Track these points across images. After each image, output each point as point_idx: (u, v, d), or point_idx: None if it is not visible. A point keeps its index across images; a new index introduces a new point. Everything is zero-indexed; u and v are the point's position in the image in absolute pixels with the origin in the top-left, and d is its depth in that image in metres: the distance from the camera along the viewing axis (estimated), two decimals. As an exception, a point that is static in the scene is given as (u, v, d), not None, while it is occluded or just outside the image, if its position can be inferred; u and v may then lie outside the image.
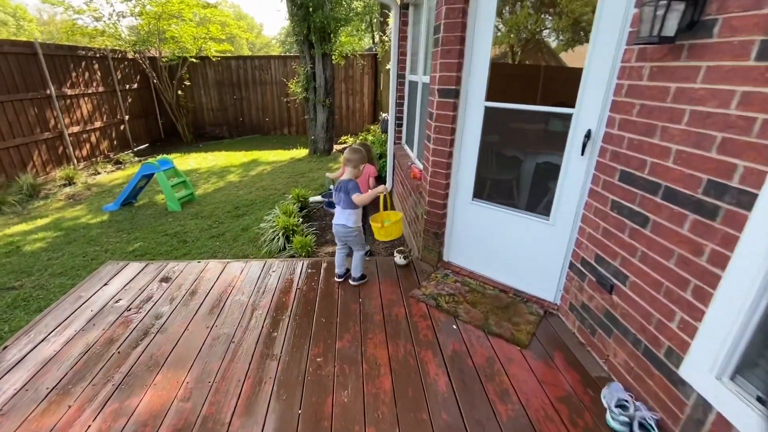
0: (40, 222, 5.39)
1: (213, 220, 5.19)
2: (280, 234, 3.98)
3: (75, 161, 8.28)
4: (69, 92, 8.19)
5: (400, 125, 5.03)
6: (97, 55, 9.15)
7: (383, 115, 10.14)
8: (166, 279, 3.02)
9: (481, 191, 2.94)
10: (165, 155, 9.70)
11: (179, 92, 11.26)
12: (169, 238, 4.61)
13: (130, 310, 2.58)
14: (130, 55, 10.18)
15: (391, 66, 4.80)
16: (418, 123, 4.06)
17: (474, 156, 2.83)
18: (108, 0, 9.33)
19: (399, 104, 4.92)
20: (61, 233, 4.86)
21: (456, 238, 3.15)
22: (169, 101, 11.11)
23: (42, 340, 2.31)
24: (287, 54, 13.29)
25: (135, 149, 10.30)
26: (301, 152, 9.72)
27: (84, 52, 8.73)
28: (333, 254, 3.87)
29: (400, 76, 4.81)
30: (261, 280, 3.00)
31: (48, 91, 7.63)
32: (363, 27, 11.10)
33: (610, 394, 1.85)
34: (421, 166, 3.72)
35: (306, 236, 4.00)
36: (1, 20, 24.95)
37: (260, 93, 12.31)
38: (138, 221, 5.23)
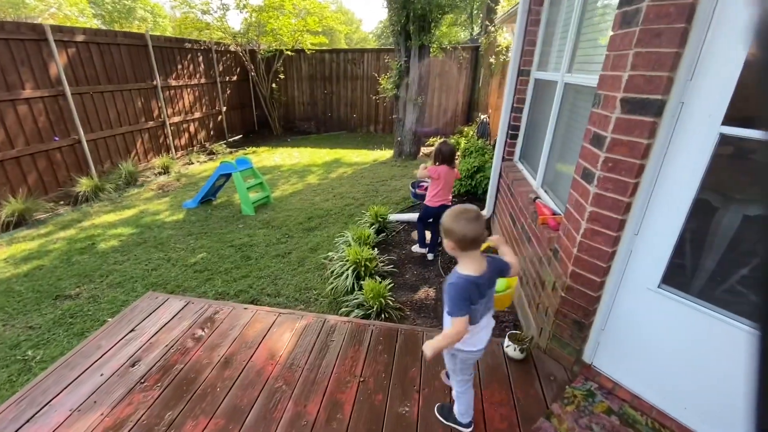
0: (126, 213, 5.40)
1: (283, 232, 4.62)
2: (350, 271, 3.17)
3: (173, 150, 8.59)
4: (173, 83, 8.47)
5: (515, 136, 3.87)
6: (202, 48, 9.40)
7: (481, 116, 8.88)
8: (202, 328, 2.39)
9: (682, 277, 1.74)
10: (254, 147, 9.75)
11: (273, 85, 11.30)
12: (234, 251, 4.12)
13: (143, 382, 1.96)
14: (232, 48, 10.38)
15: (512, 59, 3.66)
16: (549, 139, 2.90)
17: (680, 217, 1.64)
18: (216, -7, 9.51)
19: (517, 109, 3.76)
20: (136, 231, 4.72)
21: (614, 337, 1.98)
22: (264, 94, 11.20)
23: (27, 421, 1.77)
24: (381, 47, 12.63)
25: (229, 140, 10.56)
26: (386, 154, 8.96)
27: (190, 45, 9.00)
28: (411, 313, 2.94)
29: (523, 73, 3.64)
30: (314, 356, 2.19)
31: (154, 82, 7.93)
32: (464, 16, 9.87)
33: None
34: (557, 210, 2.57)
35: (380, 280, 3.13)
36: (141, 17, 28.65)
37: (350, 88, 11.85)
38: (209, 224, 4.90)
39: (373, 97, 11.19)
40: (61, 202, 6.00)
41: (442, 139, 4.65)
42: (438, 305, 3.06)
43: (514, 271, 1.64)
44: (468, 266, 1.49)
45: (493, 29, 10.05)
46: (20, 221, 5.20)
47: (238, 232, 4.61)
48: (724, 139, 1.47)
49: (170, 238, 4.47)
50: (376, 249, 3.67)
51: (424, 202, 3.69)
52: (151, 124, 7.92)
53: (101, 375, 2.01)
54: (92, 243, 4.37)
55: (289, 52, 10.60)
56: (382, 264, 3.48)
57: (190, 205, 5.59)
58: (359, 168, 7.72)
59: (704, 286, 1.69)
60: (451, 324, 1.44)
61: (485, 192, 5.20)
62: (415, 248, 3.99)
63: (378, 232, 4.23)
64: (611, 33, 1.76)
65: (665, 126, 1.59)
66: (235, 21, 25.74)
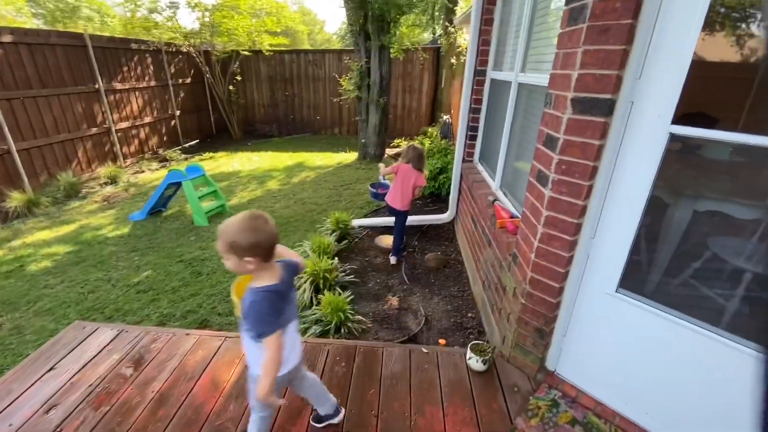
0: (64, 229, 4.92)
1: (238, 243, 4.35)
2: (308, 284, 2.98)
3: (122, 158, 8.02)
4: (119, 86, 7.91)
5: (474, 137, 3.82)
6: (151, 49, 8.85)
7: (444, 117, 8.90)
8: (135, 360, 2.13)
9: (639, 279, 1.70)
10: (211, 153, 9.30)
11: (231, 87, 10.84)
12: (184, 266, 3.82)
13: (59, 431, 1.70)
14: (184, 49, 9.85)
15: (468, 59, 3.61)
16: (505, 140, 2.85)
17: (634, 219, 1.59)
18: (163, -10, 8.99)
19: (475, 110, 3.71)
20: (74, 249, 4.29)
21: (575, 343, 1.92)
22: (221, 96, 10.73)
23: None
24: (343, 48, 12.45)
25: (184, 145, 10.01)
26: (350, 156, 8.79)
27: (137, 45, 8.45)
28: (374, 325, 2.80)
29: (479, 73, 3.59)
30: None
31: (97, 86, 7.36)
32: (425, 18, 9.88)
33: None
34: (515, 213, 2.51)
35: (340, 292, 2.97)
36: (87, 16, 26.88)
37: (312, 90, 11.58)
38: (158, 238, 4.54)
39: (335, 100, 10.97)
40: (-12, 220, 5.41)
41: (409, 141, 4.56)
42: (401, 314, 2.94)
43: (302, 265, 1.57)
44: (265, 278, 1.34)
45: (453, 30, 10.14)
46: (-64, 243, 4.62)
47: (190, 246, 4.30)
48: (674, 138, 1.43)
49: (112, 256, 4.10)
50: (336, 258, 3.50)
51: (386, 199, 3.64)
52: (94, 130, 7.34)
53: (9, 425, 1.72)
54: (20, 265, 3.92)
55: (246, 53, 10.19)
56: (343, 274, 3.32)
57: (137, 218, 5.18)
58: (323, 172, 7.51)
59: (660, 289, 1.66)
60: (265, 348, 1.28)
61: (448, 193, 5.17)
62: (392, 258, 3.70)
63: (340, 239, 4.06)
64: (560, 31, 1.70)
65: (616, 126, 1.53)
66: (188, 20, 24.74)
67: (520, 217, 2.38)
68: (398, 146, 9.62)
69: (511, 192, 2.76)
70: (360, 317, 2.82)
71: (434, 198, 5.41)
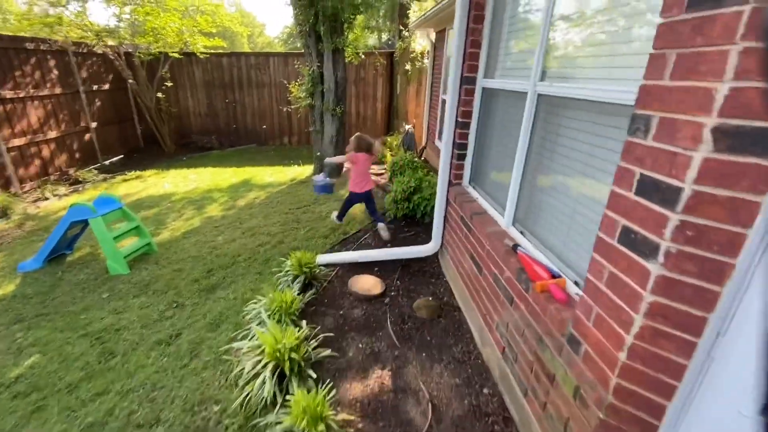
0: None
1: (169, 298, 3.37)
2: (268, 372, 2.15)
3: (17, 183, 6.47)
4: (9, 95, 6.38)
5: (462, 156, 3.21)
6: (53, 49, 7.34)
7: (406, 126, 8.33)
8: None
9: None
10: (137, 171, 7.94)
11: (159, 94, 9.46)
12: (89, 343, 2.79)
13: None
14: (98, 50, 8.36)
15: (453, 65, 2.99)
16: (519, 165, 2.25)
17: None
18: (66, -20, 7.52)
19: (463, 124, 3.09)
20: None
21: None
22: (148, 105, 9.31)
23: None
24: (289, 51, 11.50)
25: (104, 162, 8.50)
26: (305, 171, 7.90)
27: (34, 45, 6.93)
28: (365, 424, 2.05)
29: (468, 81, 2.98)
30: None
31: (-25, 94, 5.83)
32: (380, 17, 9.30)
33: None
34: (555, 269, 1.88)
35: (314, 378, 2.19)
36: (-17, 13, 23.23)
37: (257, 96, 10.51)
38: (56, 298, 3.41)
39: (284, 109, 10.00)
40: None
41: (360, 134, 4.18)
42: (398, 399, 2.21)
43: None
44: None
45: (407, 34, 9.64)
46: None
47: (101, 308, 3.24)
48: None
49: (-18, 334, 2.94)
50: (304, 322, 2.69)
51: (350, 190, 4.12)
52: (-26, 150, 5.80)
53: None
54: None
55: (176, 55, 8.91)
56: (315, 345, 2.51)
57: (29, 267, 3.95)
58: (274, 191, 6.57)
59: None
60: None
61: (425, 215, 4.54)
62: (333, 217, 4.44)
63: (304, 287, 3.25)
64: (664, 19, 1.09)
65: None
66: (103, 16, 22.02)
67: (563, 276, 1.77)
68: (356, 157, 8.90)
69: (534, 231, 2.16)
70: (345, 415, 2.06)
71: (408, 221, 4.76)
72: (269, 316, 2.63)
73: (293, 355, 2.21)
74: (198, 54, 9.40)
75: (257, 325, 2.64)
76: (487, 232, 2.39)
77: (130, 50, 8.97)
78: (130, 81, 8.98)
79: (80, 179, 7.39)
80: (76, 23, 7.98)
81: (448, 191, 3.35)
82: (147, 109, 9.39)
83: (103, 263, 3.96)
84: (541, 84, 2.04)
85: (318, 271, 3.39)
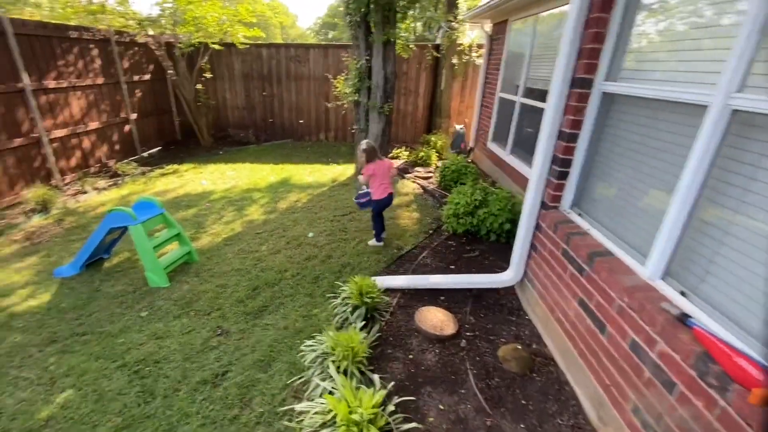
0: (-47, 295, 3.39)
1: (213, 322, 3.00)
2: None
3: (58, 174, 6.36)
4: (52, 85, 6.24)
5: (563, 175, 2.64)
6: (96, 38, 7.18)
7: (457, 126, 7.74)
8: None
9: None
10: (175, 165, 7.75)
11: (198, 86, 9.25)
12: (127, 378, 2.45)
13: None
14: (140, 39, 8.19)
15: (559, 62, 2.42)
16: (686, 201, 1.68)
17: None
18: (111, -33, 7.32)
19: (568, 136, 2.53)
20: (-46, 340, 2.81)
21: None
22: (187, 97, 9.12)
23: None
24: (330, 43, 11.06)
25: (143, 155, 8.38)
26: (345, 171, 7.47)
27: (77, 34, 6.77)
28: None
29: (581, 83, 2.41)
30: None
31: (20, 84, 5.69)
32: (434, 6, 8.68)
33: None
34: (761, 360, 1.32)
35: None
36: (35, 2, 23.96)
37: (295, 90, 10.15)
38: (92, 313, 3.11)
39: (328, 104, 9.58)
40: None
41: (364, 141, 4.12)
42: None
43: None
44: None
45: (456, 25, 8.98)
46: None
47: (139, 330, 2.91)
48: None
49: (13, 355, 2.65)
50: (377, 377, 2.23)
51: (373, 198, 4.03)
52: (18, 141, 5.69)
53: None
54: None
55: (216, 46, 8.64)
56: (392, 409, 2.04)
57: (65, 273, 3.70)
58: (316, 193, 6.17)
59: None
60: None
61: (491, 233, 4.00)
62: (372, 242, 4.25)
63: (365, 319, 2.80)
64: None
65: None
66: (144, 5, 22.36)
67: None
68: (397, 157, 8.41)
69: (710, 297, 1.60)
70: None
71: (469, 238, 4.23)
72: (335, 365, 2.18)
73: (371, 430, 1.75)
74: (237, 45, 9.11)
75: (319, 375, 2.21)
76: (624, 285, 1.84)
77: (171, 40, 8.77)
78: (170, 72, 8.80)
79: (119, 172, 7.24)
80: (118, 11, 7.83)
81: (539, 214, 2.80)
82: (186, 101, 9.20)
83: (142, 272, 3.65)
84: (739, 96, 1.46)
85: (380, 300, 2.93)
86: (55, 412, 2.20)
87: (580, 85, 2.42)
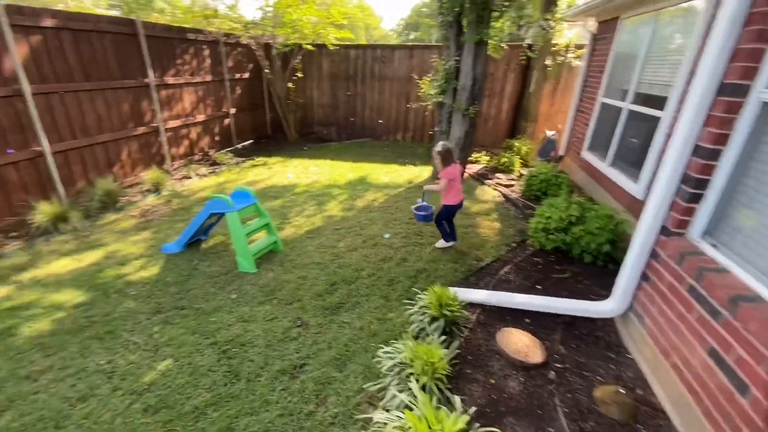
0: (86, 259, 3.97)
1: (293, 311, 3.11)
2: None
3: (169, 160, 7.19)
4: (171, 81, 7.06)
5: (696, 198, 2.24)
6: (209, 39, 7.98)
7: (548, 133, 7.21)
8: None
9: None
10: (264, 158, 8.32)
11: (290, 84, 9.83)
12: (216, 356, 2.62)
13: None
14: (244, 41, 8.94)
15: (705, 64, 2.05)
16: None
17: None
18: (226, -25, 8.06)
19: (708, 153, 2.13)
20: (85, 299, 3.27)
21: None
22: (279, 94, 9.74)
23: None
24: (416, 44, 11.03)
25: (237, 146, 9.14)
26: (422, 173, 7.38)
27: (194, 36, 7.58)
28: None
29: (731, 90, 2.02)
30: None
31: (147, 80, 6.52)
32: (530, 9, 8.21)
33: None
34: None
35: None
36: (159, 8, 27.54)
37: (377, 90, 10.30)
38: (190, 290, 3.42)
39: (410, 105, 9.57)
40: (13, 235, 4.63)
41: (440, 143, 3.82)
42: None
43: None
44: None
45: (553, 25, 8.36)
46: (-58, 267, 3.83)
47: (228, 311, 3.11)
48: None
49: (127, 319, 3.00)
50: (458, 399, 2.10)
51: (444, 203, 3.90)
52: (141, 130, 6.52)
53: None
54: (12, 327, 2.92)
55: (309, 47, 9.09)
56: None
57: (171, 250, 4.13)
58: (392, 194, 6.17)
59: None
60: None
61: (586, 254, 3.60)
62: (440, 243, 4.19)
63: (443, 331, 2.67)
64: None
65: None
66: (248, 9, 24.32)
67: None
68: (477, 161, 8.10)
69: None
70: None
71: (559, 256, 3.87)
72: (414, 378, 2.10)
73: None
74: (328, 45, 9.49)
75: (396, 385, 2.14)
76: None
77: (269, 41, 9.43)
78: (266, 71, 9.47)
79: (217, 161, 7.97)
80: (229, 16, 8.62)
81: (657, 240, 2.42)
82: (278, 98, 9.84)
83: (233, 257, 3.94)
84: None
85: (459, 314, 2.78)
86: (156, 378, 2.43)
87: (730, 92, 2.02)
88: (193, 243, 4.33)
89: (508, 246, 4.22)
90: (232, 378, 2.44)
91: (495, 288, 3.37)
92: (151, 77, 6.57)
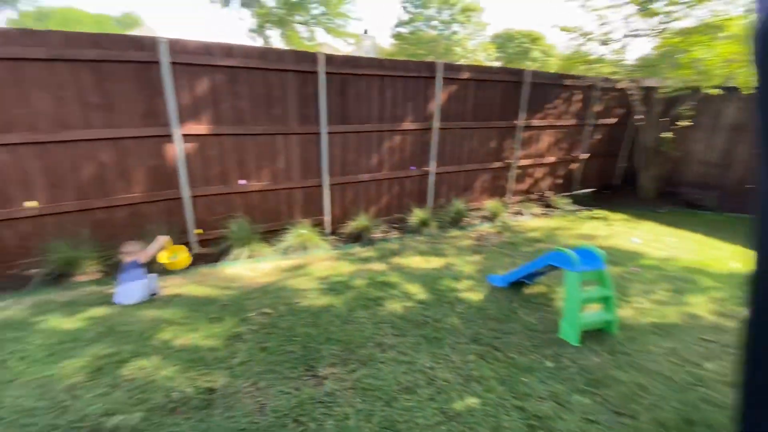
0: (433, 262, 4.80)
1: (623, 429, 2.39)
2: None
3: (510, 194, 7.71)
4: (536, 123, 7.48)
5: None
6: (584, 85, 7.87)
7: None
8: None
9: None
10: (606, 211, 7.40)
11: (667, 134, 8.21)
12: (521, 424, 2.37)
13: None
14: (621, 85, 8.23)
15: None
16: None
17: None
18: (626, 18, 7.59)
19: None
20: (428, 299, 3.88)
21: None
22: (646, 143, 8.37)
23: None
24: None
25: (576, 192, 8.65)
26: None
27: (570, 81, 7.67)
28: None
29: None
30: None
31: (515, 122, 7.19)
32: None
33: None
34: None
35: None
36: (533, 57, 30.59)
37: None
38: (506, 333, 3.35)
39: None
40: (395, 226, 6.29)
41: None
42: None
43: None
44: None
45: None
46: (359, 236, 5.70)
47: (541, 378, 2.79)
48: None
49: (451, 334, 3.29)
50: None
51: None
52: (497, 164, 7.31)
53: None
54: (380, 298, 3.87)
55: (714, 91, 7.19)
56: None
57: (495, 282, 4.29)
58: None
59: None
60: None
61: None
62: None
63: None
64: None
65: None
66: (632, 51, 22.33)
67: None
68: None
69: None
70: None
71: None
72: None
73: None
74: (741, 89, 7.16)
75: None
76: None
77: (653, 84, 8.21)
78: (638, 116, 8.32)
79: (552, 204, 7.81)
80: (612, 60, 8.14)
81: None
82: (643, 149, 8.48)
83: (554, 316, 3.58)
84: None
85: None
86: (462, 410, 2.47)
87: None
88: (515, 283, 4.31)
89: None
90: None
91: None
92: (520, 119, 7.17)
